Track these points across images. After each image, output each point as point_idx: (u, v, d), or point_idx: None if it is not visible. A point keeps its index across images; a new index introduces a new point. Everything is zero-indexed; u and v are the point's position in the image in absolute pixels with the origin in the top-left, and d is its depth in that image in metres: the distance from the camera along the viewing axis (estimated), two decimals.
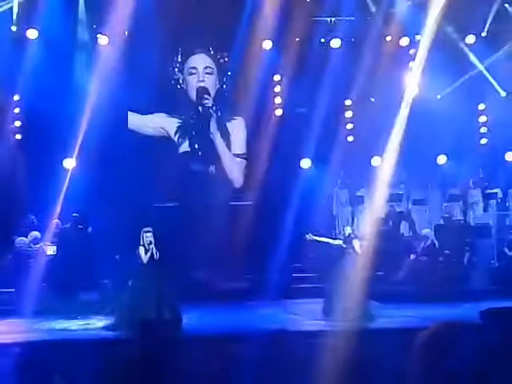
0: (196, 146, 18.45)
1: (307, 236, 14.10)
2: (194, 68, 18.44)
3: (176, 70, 18.45)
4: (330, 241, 13.69)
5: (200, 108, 18.38)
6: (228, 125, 18.62)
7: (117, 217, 16.39)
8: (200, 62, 18.44)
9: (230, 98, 18.53)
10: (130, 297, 12.80)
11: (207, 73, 18.41)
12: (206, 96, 18.30)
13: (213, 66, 18.44)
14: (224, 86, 18.56)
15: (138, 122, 18.26)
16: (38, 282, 14.22)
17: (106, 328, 12.62)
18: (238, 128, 18.65)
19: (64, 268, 14.57)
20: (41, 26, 16.83)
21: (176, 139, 18.44)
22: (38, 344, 11.16)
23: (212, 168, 18.43)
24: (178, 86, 18.52)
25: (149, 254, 12.92)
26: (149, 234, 13.06)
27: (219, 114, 18.49)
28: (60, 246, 15.19)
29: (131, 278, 13.06)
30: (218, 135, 18.48)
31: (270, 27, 17.82)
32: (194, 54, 18.46)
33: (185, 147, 18.46)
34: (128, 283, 13.03)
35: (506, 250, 17.37)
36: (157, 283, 12.81)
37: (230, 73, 18.41)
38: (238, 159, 18.54)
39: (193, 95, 18.44)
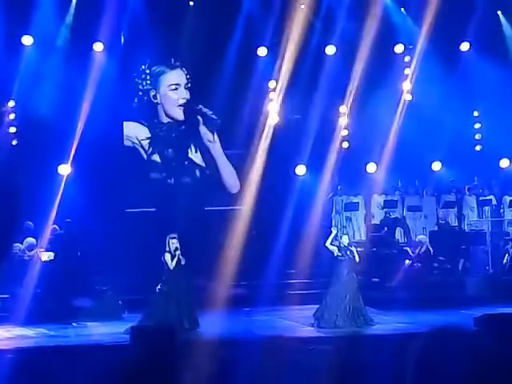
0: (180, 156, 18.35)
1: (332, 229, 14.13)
2: (177, 84, 18.10)
3: (145, 82, 18.14)
4: (335, 249, 13.67)
5: (186, 122, 18.16)
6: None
7: (112, 222, 16.41)
8: (179, 78, 18.09)
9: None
10: (159, 302, 12.90)
11: (186, 88, 18.10)
12: (197, 108, 18.07)
13: (188, 80, 18.10)
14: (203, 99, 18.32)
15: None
16: (32, 288, 14.19)
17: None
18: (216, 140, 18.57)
19: (59, 274, 14.54)
20: (35, 32, 16.85)
21: (154, 151, 18.20)
22: (32, 350, 11.16)
23: (198, 176, 18.39)
24: (148, 99, 18.21)
25: (175, 260, 13.02)
26: (174, 241, 13.16)
27: (206, 127, 18.38)
28: (55, 251, 15.16)
29: (159, 283, 13.14)
30: (211, 145, 18.43)
31: (265, 34, 17.90)
32: (170, 69, 18.13)
33: (157, 158, 18.27)
34: (155, 288, 13.14)
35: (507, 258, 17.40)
36: (186, 288, 13.07)
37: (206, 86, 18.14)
38: (231, 167, 18.51)
39: (174, 111, 18.10)
